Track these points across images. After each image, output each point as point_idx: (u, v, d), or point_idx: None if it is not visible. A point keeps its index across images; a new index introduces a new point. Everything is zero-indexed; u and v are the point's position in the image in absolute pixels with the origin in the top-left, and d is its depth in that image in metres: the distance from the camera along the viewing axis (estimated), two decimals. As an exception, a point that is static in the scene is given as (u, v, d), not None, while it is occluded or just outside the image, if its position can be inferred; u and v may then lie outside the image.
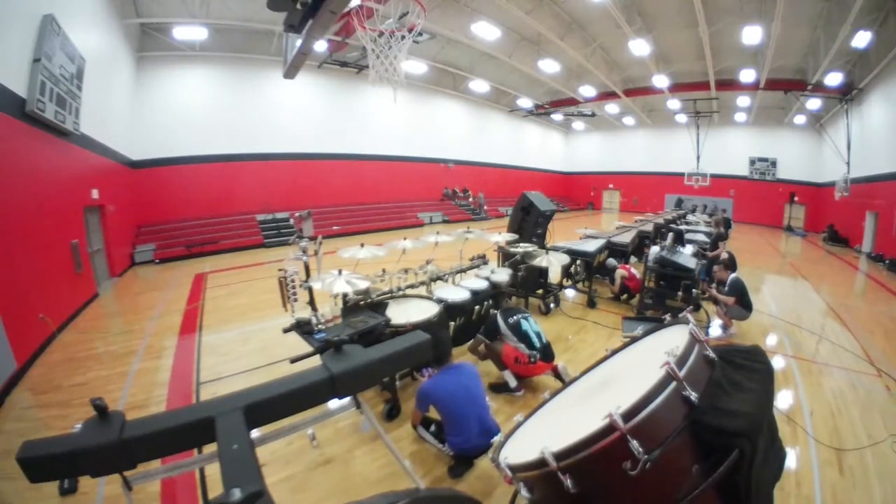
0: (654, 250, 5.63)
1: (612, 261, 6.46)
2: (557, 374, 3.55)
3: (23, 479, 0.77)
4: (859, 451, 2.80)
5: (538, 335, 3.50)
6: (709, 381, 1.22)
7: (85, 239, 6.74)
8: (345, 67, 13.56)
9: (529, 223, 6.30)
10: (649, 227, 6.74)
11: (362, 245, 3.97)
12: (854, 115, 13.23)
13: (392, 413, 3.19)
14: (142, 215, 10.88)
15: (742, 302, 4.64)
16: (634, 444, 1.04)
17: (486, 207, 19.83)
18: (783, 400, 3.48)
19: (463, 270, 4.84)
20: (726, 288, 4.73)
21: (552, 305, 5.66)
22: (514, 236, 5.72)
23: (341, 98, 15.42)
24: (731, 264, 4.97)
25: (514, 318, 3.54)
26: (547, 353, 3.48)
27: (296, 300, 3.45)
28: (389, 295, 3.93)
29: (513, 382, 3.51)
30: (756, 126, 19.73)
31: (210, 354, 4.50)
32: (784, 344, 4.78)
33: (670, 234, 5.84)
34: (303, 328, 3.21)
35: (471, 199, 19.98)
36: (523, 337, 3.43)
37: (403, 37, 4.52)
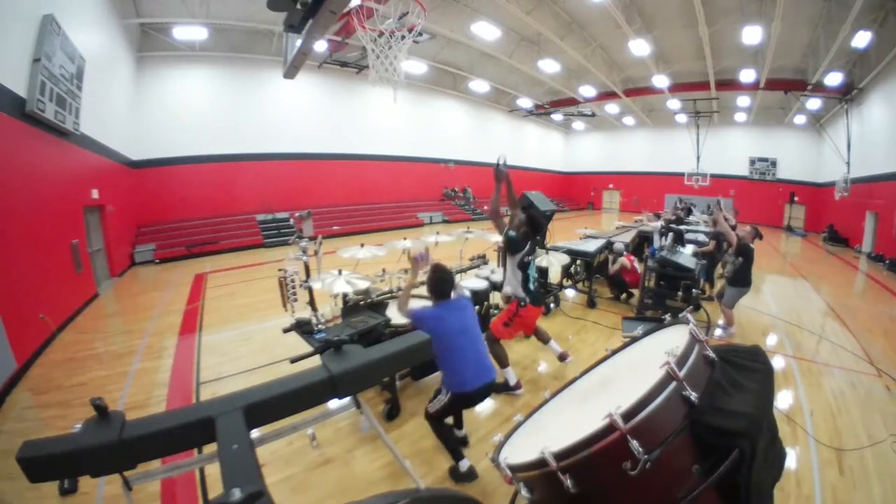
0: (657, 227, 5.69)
1: (619, 245, 6.37)
2: (539, 336, 3.81)
3: (23, 479, 0.77)
4: (859, 451, 2.80)
5: (535, 280, 3.52)
6: (709, 381, 1.22)
7: (85, 239, 6.74)
8: (345, 67, 13.56)
9: (529, 223, 6.28)
10: (649, 227, 6.73)
11: (362, 245, 3.98)
12: (854, 115, 13.24)
13: (392, 413, 3.19)
14: (142, 215, 10.88)
15: (745, 268, 4.59)
16: (634, 444, 1.04)
17: (476, 202, 19.92)
18: (783, 400, 3.48)
19: (463, 270, 4.85)
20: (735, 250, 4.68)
21: (552, 305, 5.66)
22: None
23: (341, 98, 15.42)
24: (753, 236, 4.83)
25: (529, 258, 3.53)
26: (537, 298, 3.51)
27: (296, 300, 3.45)
28: (389, 295, 3.93)
29: (513, 380, 3.52)
30: (756, 126, 19.73)
31: (210, 354, 4.50)
32: (784, 344, 4.78)
33: (670, 234, 5.85)
34: (303, 328, 3.21)
35: (470, 199, 20.02)
36: (525, 275, 3.43)
37: (403, 37, 4.52)
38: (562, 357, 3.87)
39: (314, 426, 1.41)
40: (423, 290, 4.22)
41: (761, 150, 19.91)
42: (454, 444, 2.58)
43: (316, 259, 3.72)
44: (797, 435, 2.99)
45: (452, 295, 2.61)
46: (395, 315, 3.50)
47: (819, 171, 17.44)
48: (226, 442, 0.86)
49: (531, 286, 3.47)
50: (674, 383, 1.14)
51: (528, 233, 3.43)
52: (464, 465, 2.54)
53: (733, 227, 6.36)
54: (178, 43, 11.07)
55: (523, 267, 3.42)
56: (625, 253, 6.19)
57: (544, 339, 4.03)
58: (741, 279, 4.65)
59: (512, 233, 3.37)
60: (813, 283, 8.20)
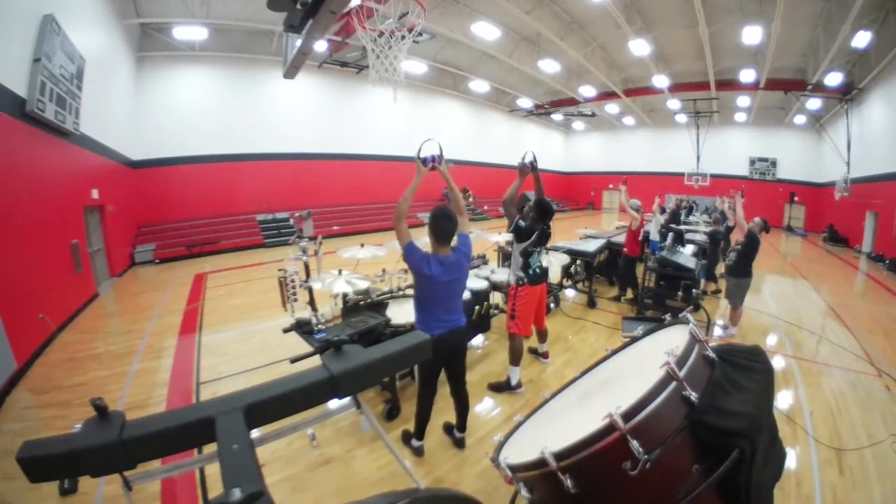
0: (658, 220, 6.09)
1: (635, 201, 6.32)
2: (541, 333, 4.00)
3: (23, 479, 0.77)
4: (859, 451, 2.80)
5: (539, 267, 3.58)
6: (709, 381, 1.22)
7: (85, 239, 6.74)
8: (345, 67, 13.56)
9: (529, 223, 6.28)
10: (649, 227, 6.74)
11: (362, 245, 3.97)
12: (854, 115, 13.24)
13: (392, 413, 3.19)
14: (142, 215, 10.88)
15: (746, 257, 4.61)
16: (634, 444, 1.04)
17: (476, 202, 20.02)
18: (783, 400, 3.48)
19: (463, 270, 4.84)
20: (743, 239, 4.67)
21: (552, 305, 5.66)
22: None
23: (341, 98, 15.42)
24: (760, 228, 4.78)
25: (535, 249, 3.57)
26: (534, 279, 3.52)
27: (296, 300, 3.45)
28: (389, 295, 3.93)
29: (514, 380, 3.53)
30: (756, 126, 19.73)
31: (210, 354, 4.50)
32: (784, 344, 4.78)
33: (670, 234, 5.86)
34: (303, 328, 3.21)
35: (471, 199, 20.02)
36: (527, 261, 3.49)
37: (403, 37, 4.52)
38: (542, 355, 4.17)
39: (314, 426, 1.40)
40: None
41: (761, 150, 19.91)
42: (423, 420, 2.71)
43: (316, 259, 3.72)
44: (797, 435, 2.99)
45: (453, 244, 2.52)
46: (395, 315, 3.50)
47: (819, 171, 17.44)
48: (226, 442, 0.85)
49: (531, 270, 3.51)
50: (674, 383, 1.14)
51: (536, 218, 3.48)
52: (416, 443, 2.77)
53: (732, 227, 6.45)
54: (178, 43, 11.07)
55: (526, 255, 3.47)
56: (639, 212, 6.04)
57: (543, 337, 4.06)
58: (742, 269, 4.65)
59: (522, 222, 3.46)
60: (813, 283, 8.20)
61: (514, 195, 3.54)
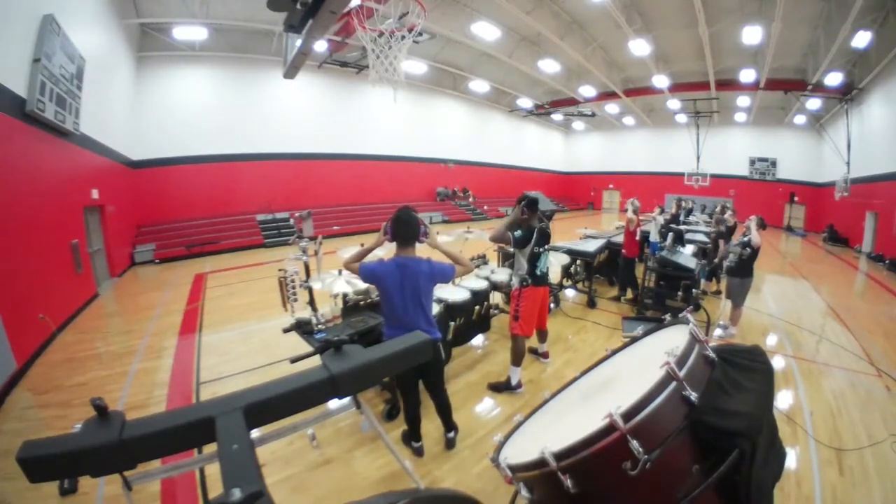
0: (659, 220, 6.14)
1: (635, 202, 6.33)
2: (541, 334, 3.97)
3: (23, 479, 0.77)
4: (859, 451, 2.80)
5: (545, 268, 3.55)
6: (709, 381, 1.21)
7: (85, 239, 6.74)
8: (345, 67, 13.57)
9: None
10: (649, 227, 6.73)
11: (362, 245, 3.96)
12: (854, 115, 13.24)
13: (392, 413, 3.20)
14: (142, 215, 10.89)
15: (751, 258, 4.65)
16: (634, 444, 1.04)
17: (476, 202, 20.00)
18: (783, 400, 3.48)
19: (462, 270, 4.84)
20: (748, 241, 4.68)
21: (552, 305, 5.65)
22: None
23: (341, 98, 15.43)
24: (762, 224, 4.83)
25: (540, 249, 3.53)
26: (539, 280, 3.50)
27: (296, 300, 3.45)
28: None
29: (514, 380, 3.53)
30: (756, 126, 19.74)
31: (210, 354, 4.50)
32: (784, 344, 4.78)
33: (670, 234, 5.86)
34: (303, 328, 3.21)
35: (471, 199, 20.01)
36: (533, 264, 3.46)
37: (403, 37, 4.52)
38: (542, 355, 4.16)
39: (314, 426, 1.40)
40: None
41: (761, 150, 19.92)
42: (413, 423, 2.73)
43: (316, 259, 3.72)
44: (797, 435, 2.99)
45: (418, 246, 2.61)
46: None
47: (819, 171, 17.45)
48: (226, 442, 0.85)
49: (537, 272, 3.49)
50: (674, 383, 1.14)
51: (529, 215, 3.43)
52: (415, 443, 2.78)
53: (733, 227, 6.44)
54: (178, 43, 11.08)
55: (533, 259, 3.44)
56: (636, 210, 6.13)
57: (543, 337, 4.05)
58: (746, 269, 4.69)
59: (518, 233, 3.42)
60: (813, 283, 8.20)
61: (502, 232, 3.46)
